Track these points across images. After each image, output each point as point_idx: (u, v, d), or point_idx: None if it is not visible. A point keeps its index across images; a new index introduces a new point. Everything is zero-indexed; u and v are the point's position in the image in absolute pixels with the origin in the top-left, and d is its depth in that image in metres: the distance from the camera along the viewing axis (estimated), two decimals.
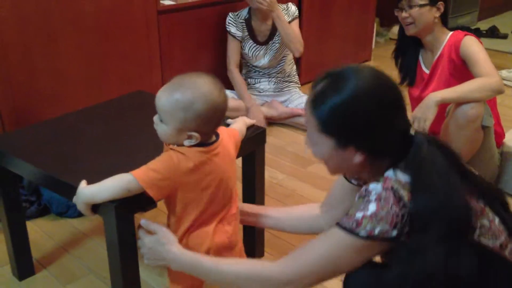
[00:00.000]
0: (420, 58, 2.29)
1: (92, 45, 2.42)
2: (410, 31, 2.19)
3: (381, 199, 1.03)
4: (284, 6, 2.92)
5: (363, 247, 1.06)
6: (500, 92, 2.00)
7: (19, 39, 2.17)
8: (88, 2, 2.35)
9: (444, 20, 2.19)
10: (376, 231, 1.03)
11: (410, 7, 2.14)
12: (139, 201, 1.26)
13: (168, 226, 1.33)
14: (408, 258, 1.02)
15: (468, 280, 1.03)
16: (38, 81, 2.27)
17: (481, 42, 2.10)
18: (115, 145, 1.58)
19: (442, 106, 2.02)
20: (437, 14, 2.14)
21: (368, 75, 1.08)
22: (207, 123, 1.24)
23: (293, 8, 2.93)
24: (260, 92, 3.09)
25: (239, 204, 1.44)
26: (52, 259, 1.89)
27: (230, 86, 3.02)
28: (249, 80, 3.11)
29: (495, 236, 1.09)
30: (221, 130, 1.35)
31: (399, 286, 1.03)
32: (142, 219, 1.32)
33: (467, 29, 2.20)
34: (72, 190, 1.29)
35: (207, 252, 1.31)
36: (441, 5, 2.14)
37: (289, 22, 2.87)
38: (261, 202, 1.76)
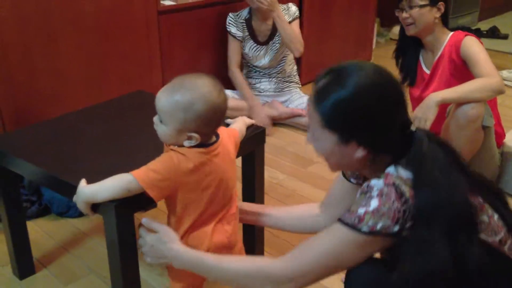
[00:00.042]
0: (421, 58, 2.29)
1: (92, 45, 2.42)
2: (411, 31, 2.19)
3: (383, 194, 1.04)
4: (285, 6, 2.92)
5: (365, 243, 1.07)
6: (500, 92, 2.00)
7: (19, 39, 2.17)
8: (88, 2, 2.35)
9: (444, 20, 2.19)
10: (378, 227, 1.04)
11: (411, 7, 2.14)
12: (139, 201, 1.26)
13: (168, 226, 1.33)
14: (413, 254, 1.03)
15: (476, 274, 1.04)
16: (38, 81, 2.28)
17: (481, 43, 2.10)
18: (115, 145, 1.58)
19: (443, 106, 2.02)
20: (438, 15, 2.14)
21: (370, 71, 1.09)
22: (207, 124, 1.24)
23: (293, 8, 2.93)
24: (261, 92, 3.09)
25: (238, 203, 1.44)
26: (52, 259, 1.89)
27: (230, 86, 3.02)
28: (249, 80, 3.11)
29: (494, 232, 1.10)
30: (221, 130, 1.35)
31: (405, 282, 1.03)
32: (144, 218, 1.32)
33: (467, 30, 2.20)
34: (72, 189, 1.29)
35: (207, 252, 1.30)
36: (441, 5, 2.14)
37: (290, 22, 2.87)
38: (260, 201, 1.76)
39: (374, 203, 1.04)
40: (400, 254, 1.05)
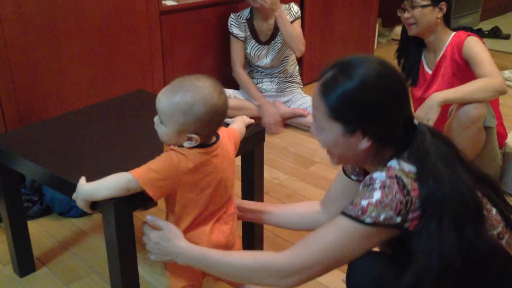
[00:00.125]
0: (423, 58, 2.29)
1: (95, 45, 2.42)
2: (413, 31, 2.19)
3: (386, 186, 1.06)
4: (287, 6, 2.92)
5: (368, 234, 1.08)
6: (503, 92, 1.99)
7: (22, 38, 2.17)
8: (90, 2, 2.35)
9: (446, 20, 2.18)
10: (381, 218, 1.05)
11: (413, 7, 2.13)
12: (138, 198, 1.26)
13: None
14: (425, 247, 1.04)
15: (478, 265, 1.05)
16: (40, 80, 2.28)
17: (483, 43, 2.09)
18: (117, 144, 1.58)
19: (445, 107, 2.02)
20: (440, 15, 2.14)
21: (376, 63, 1.11)
22: (207, 125, 1.24)
23: (295, 8, 2.93)
24: (263, 92, 3.08)
25: (238, 201, 1.44)
26: (53, 257, 1.90)
27: (232, 86, 3.02)
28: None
29: (493, 226, 1.12)
30: (221, 130, 1.35)
31: (420, 279, 1.04)
32: (148, 215, 1.32)
33: (469, 30, 2.20)
34: (73, 188, 1.29)
35: None
36: (443, 5, 2.14)
37: (292, 21, 2.87)
38: (260, 200, 1.76)
39: (377, 195, 1.06)
40: (411, 248, 1.06)
